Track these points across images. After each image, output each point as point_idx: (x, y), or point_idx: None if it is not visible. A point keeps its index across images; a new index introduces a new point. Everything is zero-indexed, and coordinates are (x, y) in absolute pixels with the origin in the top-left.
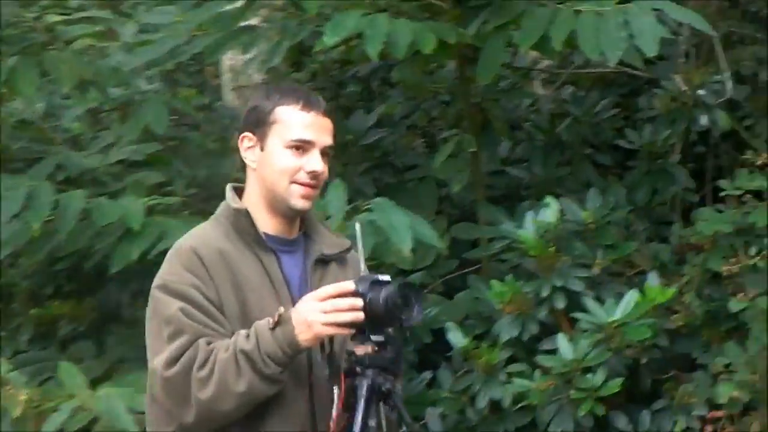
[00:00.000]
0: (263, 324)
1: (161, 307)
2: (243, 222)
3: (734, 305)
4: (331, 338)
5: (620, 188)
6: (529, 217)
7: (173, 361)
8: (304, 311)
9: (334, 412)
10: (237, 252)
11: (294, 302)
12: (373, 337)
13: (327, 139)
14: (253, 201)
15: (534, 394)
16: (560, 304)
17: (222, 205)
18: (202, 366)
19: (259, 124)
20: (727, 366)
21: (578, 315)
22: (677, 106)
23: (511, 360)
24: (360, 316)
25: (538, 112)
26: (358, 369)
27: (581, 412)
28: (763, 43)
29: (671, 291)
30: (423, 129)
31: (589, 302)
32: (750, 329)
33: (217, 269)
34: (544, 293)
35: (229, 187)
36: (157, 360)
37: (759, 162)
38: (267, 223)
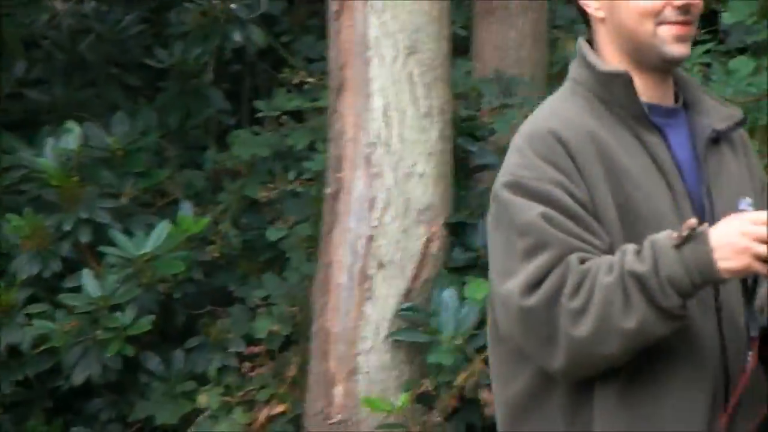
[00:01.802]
0: (663, 239)
1: (514, 211)
2: (619, 90)
3: (272, 234)
4: (756, 280)
5: (150, 111)
6: (49, 144)
7: (535, 284)
8: (730, 232)
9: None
10: (609, 134)
11: (691, 198)
12: None
13: None
14: (613, 62)
15: (57, 336)
16: (85, 237)
17: (578, 70)
18: (575, 293)
19: None
20: (265, 299)
21: (105, 249)
22: (209, 21)
23: (31, 300)
24: None
25: (57, 28)
26: None
27: (109, 354)
28: None
29: (205, 220)
30: None
31: (117, 235)
32: (289, 259)
33: (587, 159)
34: (67, 227)
35: (584, 43)
36: (510, 284)
37: (297, 81)
38: (640, 89)
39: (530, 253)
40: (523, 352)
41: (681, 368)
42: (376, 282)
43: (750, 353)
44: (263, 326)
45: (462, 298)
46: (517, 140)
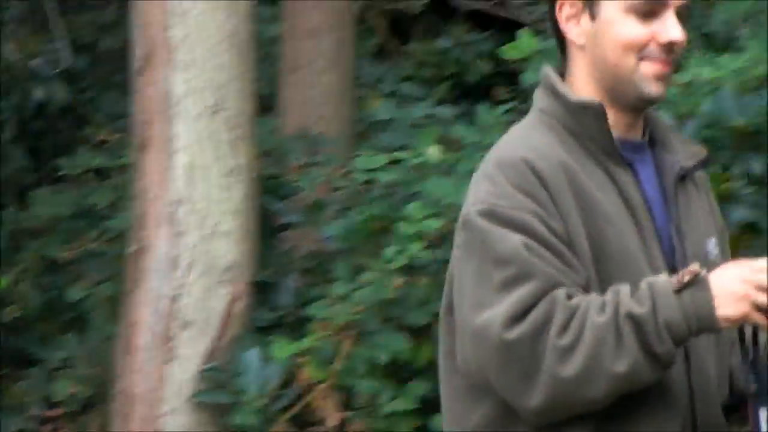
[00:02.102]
0: (662, 282)
1: (491, 240)
2: (590, 122)
3: (74, 293)
4: (756, 331)
5: None
6: None
7: (518, 317)
8: (730, 279)
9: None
10: (580, 167)
11: (660, 237)
12: None
13: None
14: (586, 93)
15: None
16: None
17: (545, 100)
18: (564, 330)
19: None
20: (65, 360)
21: None
22: (9, 77)
23: None
24: None
25: None
26: None
27: None
28: (102, 9)
29: (5, 281)
30: None
31: None
32: (90, 319)
33: (560, 191)
34: None
35: (551, 72)
36: (487, 315)
37: (100, 138)
38: (610, 122)
39: (511, 284)
40: (492, 387)
41: (652, 414)
42: (178, 342)
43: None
44: (63, 388)
45: (266, 358)
46: (487, 168)
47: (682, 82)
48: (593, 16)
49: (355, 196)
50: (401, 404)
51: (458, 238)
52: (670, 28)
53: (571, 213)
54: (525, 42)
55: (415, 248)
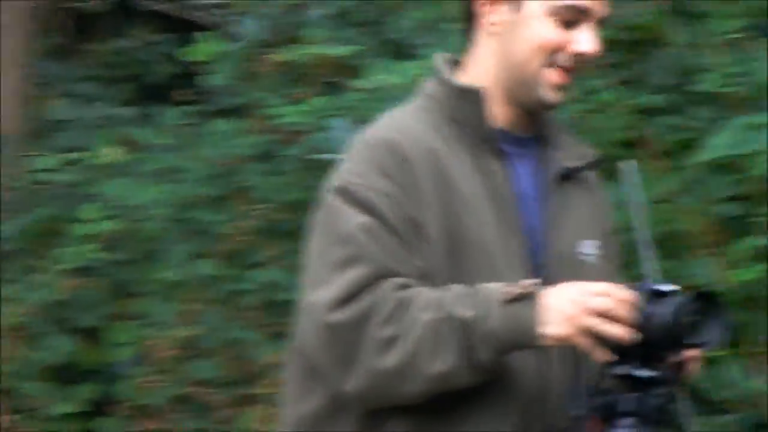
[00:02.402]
0: (494, 291)
1: (336, 218)
2: (470, 110)
3: None
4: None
5: None
6: None
7: (344, 300)
8: (563, 297)
9: None
10: (451, 154)
11: (525, 229)
12: (641, 372)
13: (604, 7)
14: (483, 81)
15: None
16: None
17: (430, 85)
18: (387, 321)
19: None
20: None
21: None
22: None
23: None
24: (632, 338)
25: None
26: (607, 414)
27: None
28: None
29: None
30: None
31: None
32: None
33: (423, 176)
34: None
35: (441, 59)
36: (318, 294)
37: None
38: (497, 113)
39: (343, 264)
40: (319, 370)
41: (479, 413)
42: None
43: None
44: None
45: None
46: (356, 146)
47: (365, 88)
48: (514, 8)
49: (30, 197)
50: (68, 407)
51: (317, 212)
52: (586, 39)
53: (429, 200)
54: (206, 45)
55: (89, 250)
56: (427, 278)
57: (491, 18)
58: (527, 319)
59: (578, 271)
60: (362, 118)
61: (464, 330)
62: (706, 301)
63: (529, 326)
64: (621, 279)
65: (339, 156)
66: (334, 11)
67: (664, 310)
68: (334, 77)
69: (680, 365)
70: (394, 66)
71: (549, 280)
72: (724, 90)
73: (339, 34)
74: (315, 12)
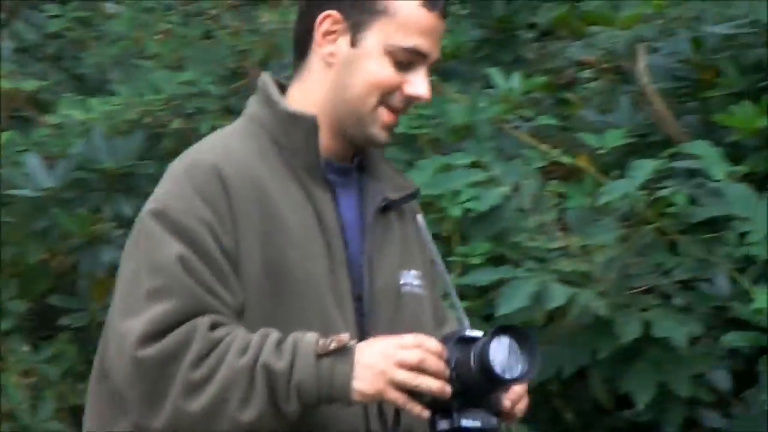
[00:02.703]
0: (307, 343)
1: (152, 244)
2: (299, 135)
3: None
4: (398, 410)
5: None
6: None
7: (153, 335)
8: (374, 353)
9: None
10: (276, 182)
11: (350, 265)
12: (465, 423)
13: (438, 52)
14: (312, 109)
15: None
16: None
17: (256, 107)
18: (198, 363)
19: (358, 5)
20: None
21: None
22: None
23: None
24: (446, 390)
25: None
26: None
27: None
28: None
29: None
30: None
31: None
32: None
33: (245, 205)
34: None
35: (270, 80)
36: (129, 324)
37: None
38: (323, 142)
39: (156, 296)
40: (125, 402)
41: None
42: None
43: None
44: None
45: None
46: (177, 167)
47: (53, 123)
48: (353, 43)
49: None
50: None
51: (132, 233)
52: (420, 83)
53: (250, 230)
54: None
55: None
56: (245, 314)
57: (329, 48)
58: (339, 374)
59: (400, 303)
60: (50, 153)
61: (275, 380)
62: (511, 336)
63: (341, 382)
64: (442, 309)
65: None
66: (24, 45)
67: (470, 356)
68: (23, 112)
69: (505, 406)
70: (83, 101)
71: (371, 313)
72: (417, 132)
73: (28, 69)
74: (5, 45)
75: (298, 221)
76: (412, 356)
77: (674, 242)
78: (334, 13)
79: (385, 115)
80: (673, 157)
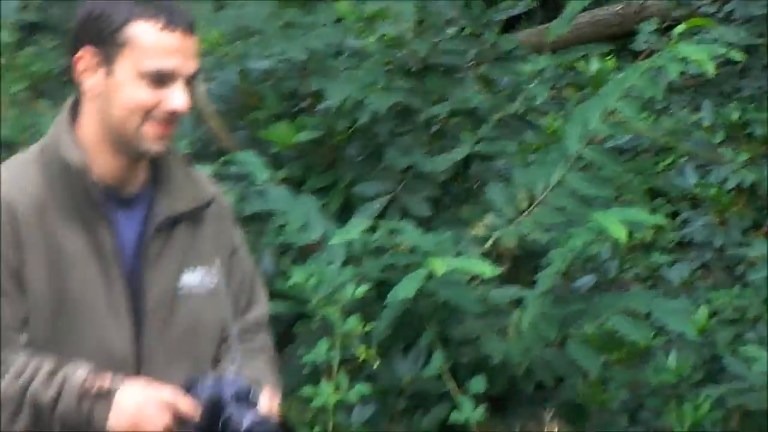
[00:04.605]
0: (75, 382)
1: None
2: (74, 181)
3: None
4: None
5: None
6: None
7: None
8: (132, 400)
9: None
10: (60, 212)
11: (127, 280)
12: None
13: (192, 65)
14: (91, 138)
15: None
16: None
17: (49, 142)
18: None
19: (104, 40)
20: None
21: None
22: None
23: None
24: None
25: None
26: None
27: None
28: None
29: None
30: None
31: None
32: None
33: (31, 232)
34: None
35: (66, 113)
36: None
37: None
38: (107, 168)
39: None
40: None
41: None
42: None
43: None
44: None
45: None
46: None
47: None
48: (108, 73)
49: None
50: None
51: None
52: (176, 97)
53: (34, 254)
54: None
55: None
56: (30, 325)
57: (89, 83)
58: (97, 414)
59: (176, 306)
60: None
61: (40, 409)
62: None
63: (98, 419)
64: (250, 291)
65: None
66: None
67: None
68: None
69: None
70: None
71: (145, 320)
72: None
73: None
74: None
75: (78, 249)
76: (160, 420)
77: None
78: (87, 51)
79: (151, 130)
80: (227, 163)
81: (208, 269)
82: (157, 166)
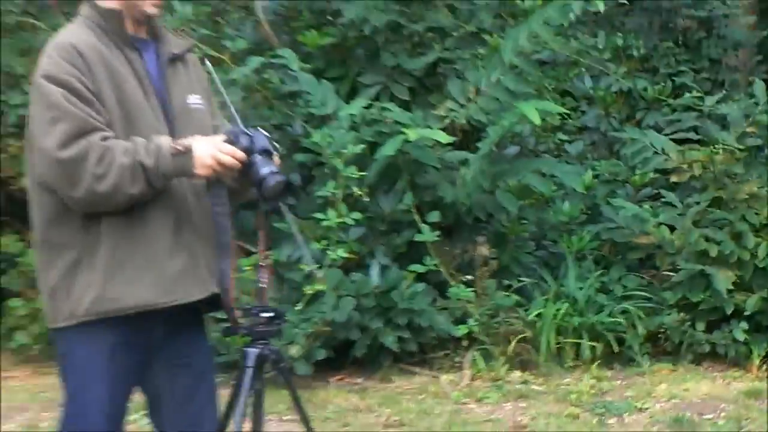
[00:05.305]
0: (166, 147)
1: (44, 92)
2: (114, 23)
3: None
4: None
5: None
6: None
7: (65, 144)
8: (205, 151)
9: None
10: (108, 51)
11: (156, 93)
12: (262, 171)
13: None
14: (115, 6)
15: None
16: None
17: (85, 9)
18: (99, 162)
19: None
20: None
21: None
22: None
23: None
24: (239, 162)
25: None
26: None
27: None
28: None
29: None
30: None
31: None
32: None
33: (95, 64)
34: None
35: None
36: (48, 140)
37: None
38: (127, 24)
39: (54, 121)
40: (51, 186)
41: (156, 210)
42: None
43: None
44: None
45: None
46: (48, 49)
47: None
48: None
49: None
50: None
51: (32, 93)
52: None
53: (101, 78)
54: None
55: None
56: (110, 126)
57: None
58: (187, 166)
59: (191, 116)
60: None
61: (148, 171)
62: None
63: (189, 170)
64: (218, 118)
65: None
66: None
67: (249, 145)
68: None
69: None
70: None
71: (176, 123)
72: None
73: None
74: None
75: (125, 72)
76: (224, 157)
77: (272, 104)
78: None
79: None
80: (274, 56)
81: (199, 96)
82: (152, 25)
